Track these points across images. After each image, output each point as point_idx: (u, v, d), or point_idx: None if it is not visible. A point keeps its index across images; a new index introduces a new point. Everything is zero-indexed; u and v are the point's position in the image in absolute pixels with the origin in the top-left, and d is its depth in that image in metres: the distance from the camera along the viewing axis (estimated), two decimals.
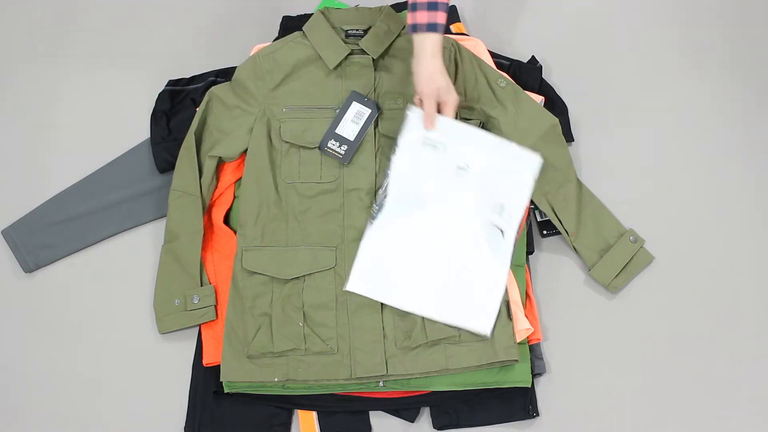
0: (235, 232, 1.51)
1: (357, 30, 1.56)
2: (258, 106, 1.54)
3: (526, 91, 1.56)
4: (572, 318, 1.51)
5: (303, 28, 1.57)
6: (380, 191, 1.45)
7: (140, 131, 1.67)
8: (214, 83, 1.65)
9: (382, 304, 1.42)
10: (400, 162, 1.45)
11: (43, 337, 1.53)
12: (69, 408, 1.47)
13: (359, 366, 1.39)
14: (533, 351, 1.46)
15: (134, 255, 1.58)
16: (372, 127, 1.51)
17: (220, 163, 1.54)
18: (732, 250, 1.57)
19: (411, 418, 1.44)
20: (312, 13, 1.70)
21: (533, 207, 1.58)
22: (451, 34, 1.68)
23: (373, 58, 1.53)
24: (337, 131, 1.51)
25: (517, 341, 1.40)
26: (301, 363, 1.40)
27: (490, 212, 1.44)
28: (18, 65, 1.76)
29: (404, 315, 1.42)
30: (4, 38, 1.79)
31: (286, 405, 1.43)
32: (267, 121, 1.53)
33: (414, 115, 1.44)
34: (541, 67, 1.67)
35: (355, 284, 1.43)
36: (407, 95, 1.53)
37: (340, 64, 1.54)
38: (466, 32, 1.73)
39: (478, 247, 1.43)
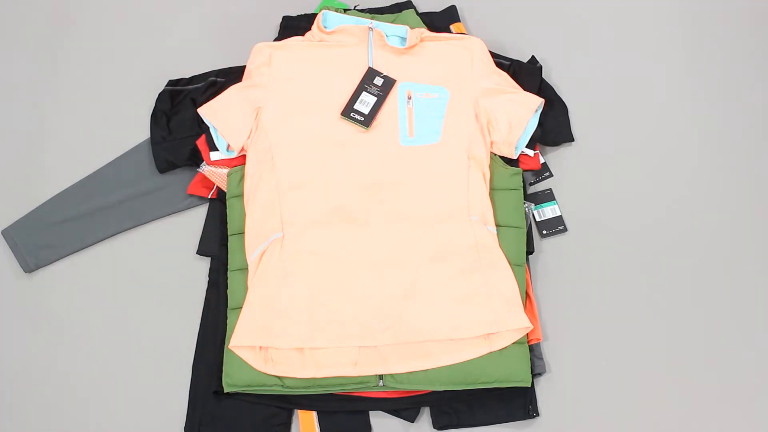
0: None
1: None
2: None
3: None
4: (572, 318, 1.51)
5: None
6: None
7: (140, 131, 1.67)
8: (214, 83, 1.65)
9: None
10: None
11: (43, 337, 1.53)
12: (69, 408, 1.47)
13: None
14: (533, 351, 1.45)
15: (134, 255, 1.58)
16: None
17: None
18: (734, 250, 1.56)
19: (411, 418, 1.44)
20: (312, 13, 1.71)
21: (533, 207, 1.58)
22: (451, 33, 1.68)
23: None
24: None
25: (517, 341, 1.39)
26: None
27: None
28: (17, 65, 1.76)
29: None
30: (3, 38, 1.79)
31: (286, 405, 1.43)
32: None
33: None
34: (541, 67, 1.67)
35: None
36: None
37: None
38: (466, 32, 1.72)
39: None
